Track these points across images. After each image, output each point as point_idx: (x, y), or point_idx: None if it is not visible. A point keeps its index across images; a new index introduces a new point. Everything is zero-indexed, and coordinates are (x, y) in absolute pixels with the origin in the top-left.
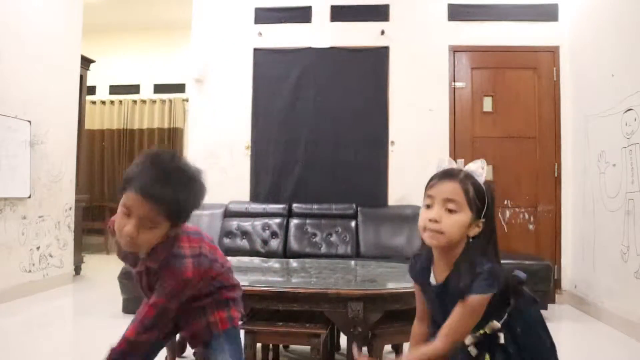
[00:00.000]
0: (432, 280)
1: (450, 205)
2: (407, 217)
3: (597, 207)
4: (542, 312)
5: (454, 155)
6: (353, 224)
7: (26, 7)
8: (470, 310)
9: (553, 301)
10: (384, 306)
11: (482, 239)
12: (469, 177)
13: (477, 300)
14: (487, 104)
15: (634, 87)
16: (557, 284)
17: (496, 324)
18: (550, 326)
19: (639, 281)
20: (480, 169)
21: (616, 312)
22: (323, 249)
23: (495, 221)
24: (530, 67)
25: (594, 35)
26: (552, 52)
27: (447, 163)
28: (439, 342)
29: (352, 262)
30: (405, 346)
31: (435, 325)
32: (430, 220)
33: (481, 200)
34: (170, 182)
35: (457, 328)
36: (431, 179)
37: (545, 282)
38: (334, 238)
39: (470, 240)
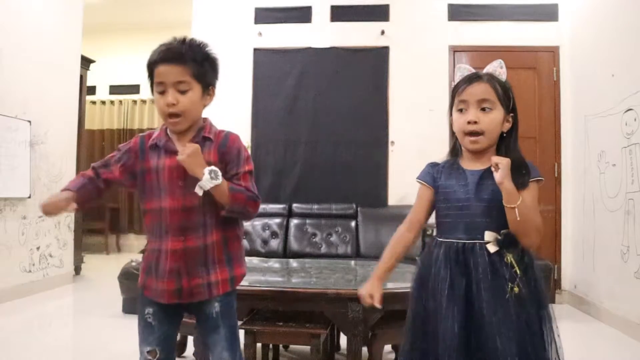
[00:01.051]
0: (468, 168)
1: (485, 105)
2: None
3: (597, 207)
4: None
5: None
6: (353, 224)
7: (26, 7)
8: (535, 192)
9: (553, 301)
10: (384, 306)
11: (513, 133)
12: (493, 77)
13: (534, 185)
14: None
15: (634, 87)
16: (557, 284)
17: None
18: None
19: (639, 281)
20: (499, 69)
21: (616, 312)
22: (323, 249)
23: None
24: (530, 67)
25: (594, 35)
26: (552, 52)
27: (467, 70)
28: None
29: (352, 262)
30: None
31: (455, 225)
32: (469, 122)
33: (507, 96)
34: (182, 45)
35: (536, 211)
36: (458, 85)
37: (545, 282)
38: (334, 238)
39: (504, 135)
